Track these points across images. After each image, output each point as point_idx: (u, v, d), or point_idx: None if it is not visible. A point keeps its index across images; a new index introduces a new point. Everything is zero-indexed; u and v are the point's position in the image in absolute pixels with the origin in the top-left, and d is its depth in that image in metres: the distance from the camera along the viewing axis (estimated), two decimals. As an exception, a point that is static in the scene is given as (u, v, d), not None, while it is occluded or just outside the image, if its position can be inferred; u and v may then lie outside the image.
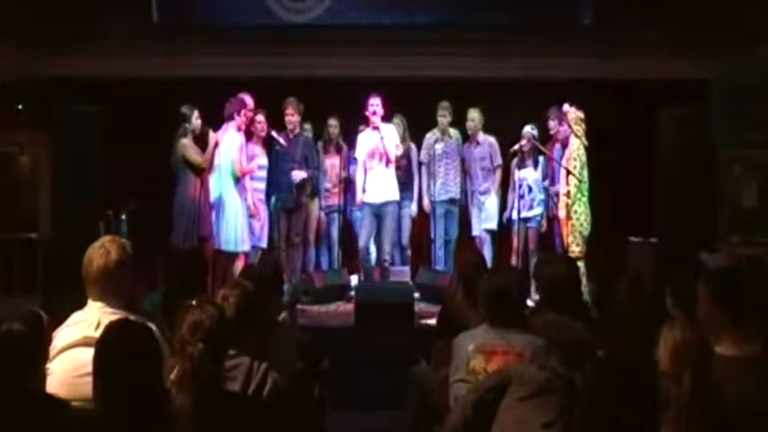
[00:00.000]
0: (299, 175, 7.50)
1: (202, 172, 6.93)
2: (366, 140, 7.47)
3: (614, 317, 3.15)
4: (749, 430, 2.65)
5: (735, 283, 3.01)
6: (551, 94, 7.70)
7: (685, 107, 7.28)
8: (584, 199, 7.08)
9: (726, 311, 2.91)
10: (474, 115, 7.80)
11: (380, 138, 7.33)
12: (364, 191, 7.45)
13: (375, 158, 7.40)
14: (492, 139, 7.84)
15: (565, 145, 7.29)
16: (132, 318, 2.83)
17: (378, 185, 7.42)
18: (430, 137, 7.90)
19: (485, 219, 7.82)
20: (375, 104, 7.31)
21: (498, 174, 7.86)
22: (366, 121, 7.43)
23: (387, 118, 7.51)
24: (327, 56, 8.12)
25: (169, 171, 7.09)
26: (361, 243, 7.50)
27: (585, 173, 7.08)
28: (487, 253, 7.60)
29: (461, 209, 7.96)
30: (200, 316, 2.77)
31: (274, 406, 3.01)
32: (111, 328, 2.52)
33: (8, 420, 2.53)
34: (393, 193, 7.46)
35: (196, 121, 7.00)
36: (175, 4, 8.02)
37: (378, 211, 7.41)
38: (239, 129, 7.30)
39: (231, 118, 7.24)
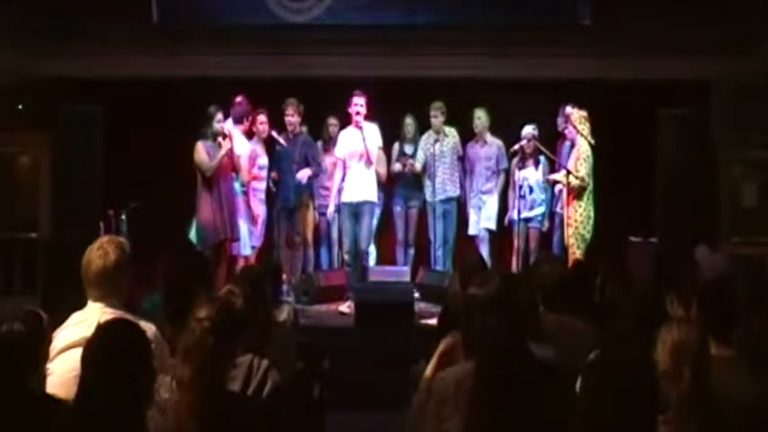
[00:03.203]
0: (304, 174, 7.46)
1: (211, 177, 6.84)
2: (348, 139, 7.37)
3: (610, 316, 3.15)
4: (743, 428, 2.66)
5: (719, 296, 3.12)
6: (551, 94, 7.71)
7: (685, 107, 7.29)
8: (590, 203, 7.10)
9: (708, 321, 2.99)
10: (480, 114, 7.81)
11: (362, 138, 7.25)
12: (341, 190, 7.38)
13: (355, 158, 7.35)
14: (500, 142, 7.83)
15: (574, 145, 7.29)
16: (128, 318, 2.82)
17: (356, 185, 7.30)
18: (426, 138, 7.90)
19: (486, 218, 7.81)
20: (359, 104, 7.21)
21: (502, 177, 7.86)
22: (349, 120, 7.35)
23: (369, 116, 7.42)
24: (327, 56, 8.12)
25: (169, 171, 7.10)
26: (346, 246, 7.38)
27: (591, 176, 7.10)
28: (485, 252, 7.60)
29: (460, 207, 7.96)
30: (211, 308, 2.76)
31: (274, 406, 3.01)
32: (100, 327, 2.52)
33: (8, 420, 2.54)
34: (371, 194, 7.34)
35: (217, 124, 6.88)
36: (176, 4, 8.02)
37: (355, 210, 7.32)
38: (245, 133, 7.31)
39: (240, 122, 7.24)
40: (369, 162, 7.31)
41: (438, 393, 2.87)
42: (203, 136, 6.83)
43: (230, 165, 6.94)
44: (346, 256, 7.39)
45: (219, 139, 6.87)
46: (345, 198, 7.37)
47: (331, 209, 7.57)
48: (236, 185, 7.11)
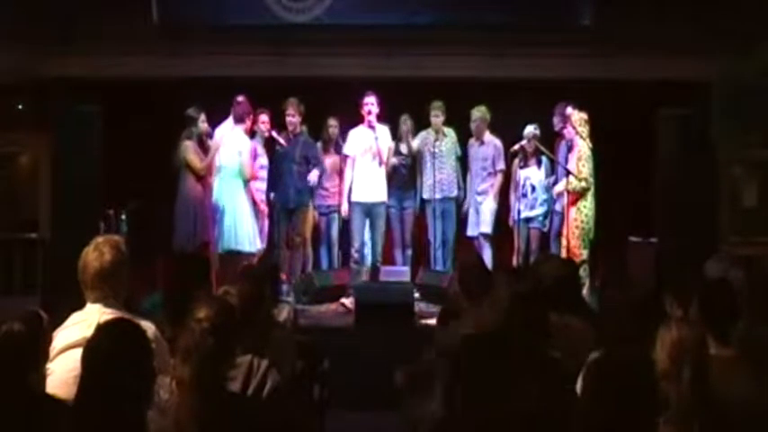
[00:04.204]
0: (314, 176, 7.48)
1: (202, 176, 6.96)
2: (359, 138, 7.47)
3: (610, 316, 3.16)
4: (742, 428, 2.66)
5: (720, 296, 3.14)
6: (551, 94, 7.71)
7: (685, 107, 7.28)
8: (591, 203, 7.11)
9: (709, 321, 3.00)
10: (476, 115, 7.78)
11: (375, 138, 7.35)
12: (351, 191, 7.46)
13: (367, 156, 7.41)
14: (498, 142, 7.77)
15: (570, 146, 7.29)
16: (128, 318, 2.82)
17: (368, 184, 7.42)
18: (424, 136, 7.90)
19: (481, 222, 7.77)
20: (370, 103, 7.37)
21: (499, 178, 7.80)
22: (362, 119, 7.45)
23: (382, 117, 7.51)
24: (327, 56, 8.12)
25: (169, 171, 7.11)
26: (356, 244, 7.47)
27: (592, 176, 7.10)
28: (487, 256, 7.59)
29: (459, 207, 7.95)
30: (210, 309, 2.76)
31: (274, 406, 3.01)
32: (100, 328, 2.52)
33: (8, 420, 2.54)
34: (382, 194, 7.49)
35: (202, 124, 7.01)
36: (175, 4, 8.02)
37: (368, 211, 7.43)
38: (247, 132, 7.34)
39: (241, 120, 7.27)
40: (381, 162, 7.39)
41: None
42: (188, 137, 6.93)
43: (210, 169, 7.04)
44: (356, 254, 7.44)
45: (209, 141, 6.99)
46: (357, 197, 7.45)
47: (345, 207, 7.58)
48: (239, 180, 7.16)
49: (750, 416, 2.70)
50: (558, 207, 7.52)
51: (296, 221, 7.57)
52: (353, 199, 7.49)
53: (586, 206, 7.09)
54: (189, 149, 6.93)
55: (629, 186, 7.96)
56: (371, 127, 7.41)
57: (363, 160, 7.45)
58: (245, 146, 7.22)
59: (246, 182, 7.24)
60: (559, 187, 7.28)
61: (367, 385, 5.66)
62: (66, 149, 6.97)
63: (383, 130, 7.50)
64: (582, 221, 7.07)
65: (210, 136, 7.13)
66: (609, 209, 7.45)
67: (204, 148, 7.11)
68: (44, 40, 7.90)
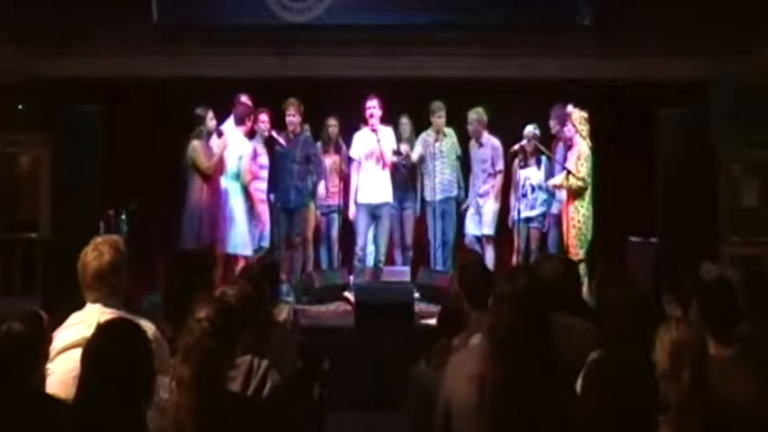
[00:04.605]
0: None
1: (209, 176, 6.92)
2: (363, 141, 7.51)
3: (610, 316, 3.16)
4: (741, 428, 2.66)
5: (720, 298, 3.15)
6: (551, 94, 7.71)
7: (685, 107, 7.29)
8: (589, 203, 7.10)
9: (709, 321, 3.02)
10: (473, 117, 7.78)
11: (377, 140, 7.39)
12: (357, 193, 7.52)
13: (372, 160, 7.46)
14: (496, 143, 7.78)
15: (569, 146, 7.29)
16: (128, 317, 2.82)
17: (372, 187, 7.51)
18: (425, 138, 7.90)
19: (483, 223, 7.77)
20: (372, 106, 7.44)
21: (499, 179, 7.81)
22: (365, 122, 7.49)
23: (384, 119, 7.56)
24: (327, 56, 8.12)
25: (169, 171, 7.10)
26: (360, 243, 7.54)
27: (590, 176, 7.10)
28: (486, 256, 7.58)
29: (459, 207, 7.94)
30: (210, 309, 2.76)
31: (274, 406, 3.01)
32: (100, 327, 2.52)
33: (8, 420, 2.54)
34: (387, 195, 7.56)
35: (210, 122, 6.98)
36: (175, 4, 8.02)
37: (373, 212, 7.50)
38: (247, 133, 7.33)
39: (242, 122, 7.25)
40: (384, 164, 7.49)
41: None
42: (197, 137, 6.89)
43: (219, 168, 7.01)
44: (360, 252, 7.51)
45: (215, 138, 6.96)
46: (363, 199, 7.54)
47: (352, 209, 7.63)
48: (237, 183, 7.13)
49: (750, 416, 2.70)
50: (554, 210, 7.54)
51: (296, 221, 7.58)
52: (359, 201, 7.55)
53: (583, 206, 7.09)
54: (197, 150, 6.87)
55: (628, 186, 7.95)
56: (374, 130, 7.44)
57: (368, 163, 7.51)
58: (245, 150, 7.20)
59: (244, 187, 7.24)
60: (556, 180, 7.26)
61: (367, 385, 5.66)
62: (66, 149, 6.97)
63: (386, 133, 7.53)
64: (579, 221, 7.07)
65: (219, 134, 7.06)
66: (609, 209, 7.45)
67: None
68: (44, 40, 7.90)
